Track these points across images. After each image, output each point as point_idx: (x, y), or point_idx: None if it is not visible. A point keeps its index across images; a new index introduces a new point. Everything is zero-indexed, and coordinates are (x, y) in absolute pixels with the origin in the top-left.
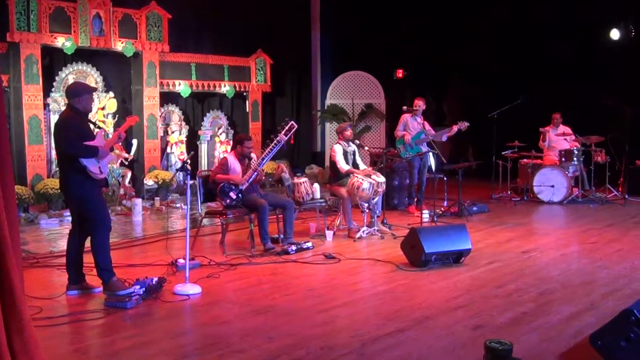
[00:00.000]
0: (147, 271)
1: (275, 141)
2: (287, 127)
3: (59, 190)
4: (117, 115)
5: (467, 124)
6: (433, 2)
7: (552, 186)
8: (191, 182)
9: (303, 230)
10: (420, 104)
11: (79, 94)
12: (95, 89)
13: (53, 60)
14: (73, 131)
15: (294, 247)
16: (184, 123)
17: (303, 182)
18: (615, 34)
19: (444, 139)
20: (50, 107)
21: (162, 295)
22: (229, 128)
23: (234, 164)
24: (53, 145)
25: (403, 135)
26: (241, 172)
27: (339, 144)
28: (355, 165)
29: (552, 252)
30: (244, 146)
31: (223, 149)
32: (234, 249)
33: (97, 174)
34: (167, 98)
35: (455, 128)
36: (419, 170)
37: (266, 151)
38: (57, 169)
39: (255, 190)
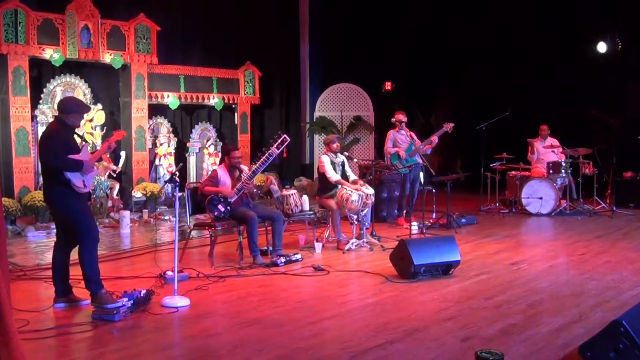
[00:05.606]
0: (135, 283)
1: (267, 154)
2: (279, 140)
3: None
4: (105, 128)
5: (452, 124)
6: (422, 17)
7: (540, 198)
8: (180, 194)
9: (292, 242)
10: (400, 117)
11: (71, 110)
12: (89, 110)
13: (41, 72)
14: (59, 144)
15: (282, 259)
16: (172, 135)
17: (292, 194)
18: (602, 47)
19: (429, 151)
20: (38, 119)
21: (150, 307)
22: (218, 140)
23: (224, 177)
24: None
25: (397, 152)
26: (231, 185)
27: (327, 155)
28: (344, 176)
29: (541, 264)
30: (231, 157)
31: (211, 161)
32: (223, 261)
33: (80, 188)
34: (156, 110)
35: (435, 138)
36: (411, 183)
37: (257, 164)
38: None
39: (245, 204)
